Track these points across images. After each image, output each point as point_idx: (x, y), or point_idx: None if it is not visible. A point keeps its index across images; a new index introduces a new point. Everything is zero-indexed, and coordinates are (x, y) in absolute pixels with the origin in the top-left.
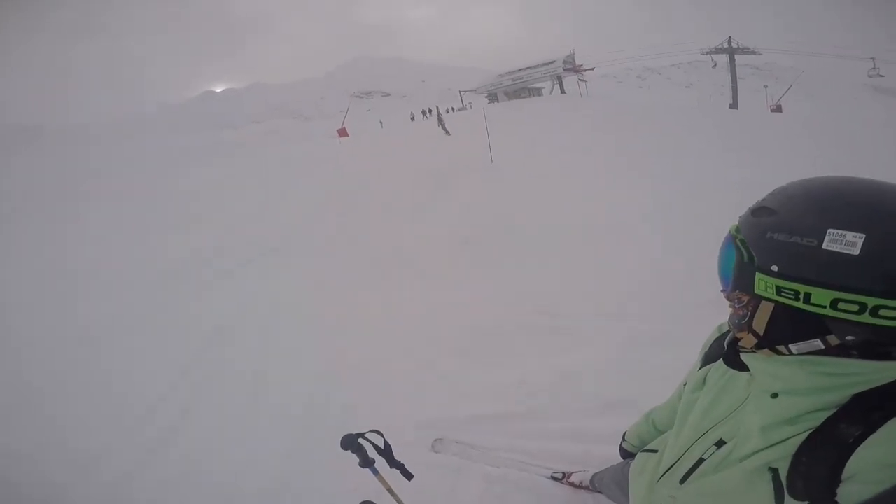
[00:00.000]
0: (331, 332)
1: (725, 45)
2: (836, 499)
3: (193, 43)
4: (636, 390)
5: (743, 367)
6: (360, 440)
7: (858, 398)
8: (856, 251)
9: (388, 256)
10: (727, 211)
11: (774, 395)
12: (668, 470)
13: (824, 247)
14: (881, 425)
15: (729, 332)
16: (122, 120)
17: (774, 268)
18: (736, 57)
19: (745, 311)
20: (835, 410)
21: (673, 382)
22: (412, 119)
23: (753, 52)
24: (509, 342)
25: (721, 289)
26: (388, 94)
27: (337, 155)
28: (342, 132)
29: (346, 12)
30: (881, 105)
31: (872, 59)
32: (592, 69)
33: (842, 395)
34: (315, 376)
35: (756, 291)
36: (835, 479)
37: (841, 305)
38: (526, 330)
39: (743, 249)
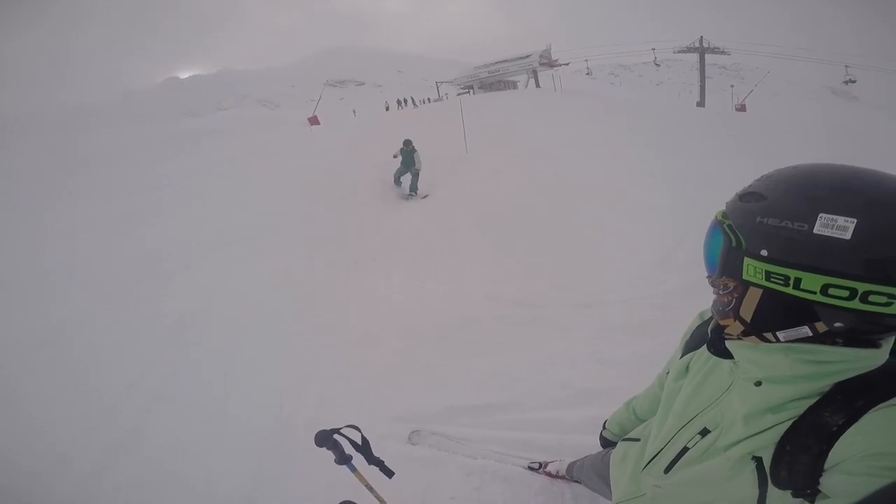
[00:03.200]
0: (303, 323)
1: (697, 45)
2: (819, 488)
3: (157, 29)
4: (610, 380)
5: (727, 355)
6: (336, 436)
7: (840, 387)
8: (847, 236)
9: (360, 247)
10: (695, 202)
11: (758, 384)
12: (653, 459)
13: (815, 231)
14: (864, 414)
15: (711, 318)
16: (75, 110)
17: (764, 252)
18: (706, 56)
19: (731, 298)
20: (817, 399)
21: (648, 370)
22: (387, 109)
23: (723, 52)
24: (486, 334)
25: (706, 274)
26: (363, 84)
27: (308, 143)
28: (313, 120)
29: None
30: (838, 108)
31: (846, 66)
32: (567, 64)
33: (825, 384)
34: (287, 369)
35: (744, 277)
36: (818, 469)
37: (832, 291)
38: (503, 321)
39: (731, 234)
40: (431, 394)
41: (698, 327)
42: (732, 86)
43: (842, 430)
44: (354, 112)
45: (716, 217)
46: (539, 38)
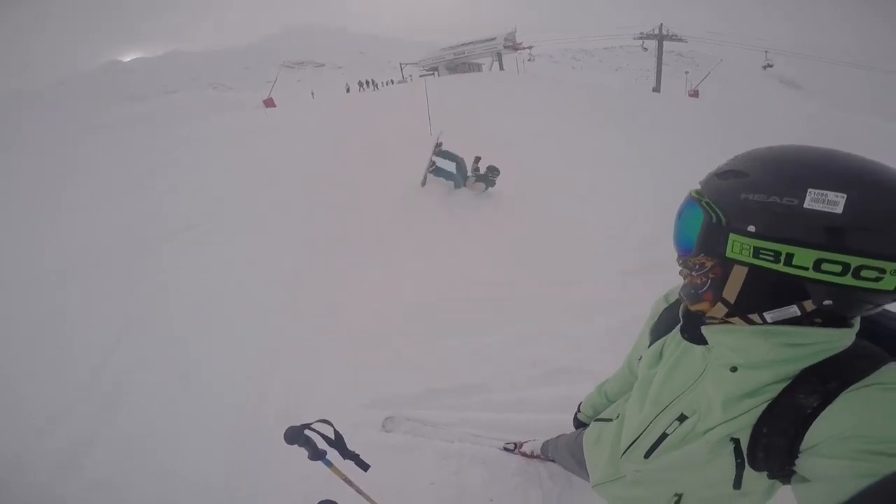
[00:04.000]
0: (268, 311)
1: (656, 32)
2: (795, 469)
3: (99, 11)
4: (578, 357)
5: (702, 341)
6: (308, 432)
7: (813, 369)
8: (839, 210)
9: (325, 233)
10: (654, 182)
11: (734, 369)
12: (631, 445)
13: (806, 206)
14: (837, 396)
15: (680, 302)
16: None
17: (751, 228)
18: (664, 43)
19: (706, 279)
20: (790, 382)
21: (614, 348)
22: (348, 91)
23: (680, 40)
24: (456, 316)
25: (678, 256)
26: (322, 65)
27: (264, 126)
28: (269, 102)
29: None
30: (780, 93)
31: (766, 51)
32: (531, 48)
33: (800, 367)
34: (253, 359)
35: (728, 255)
36: (794, 451)
37: (825, 266)
38: (472, 303)
39: (711, 211)
40: (403, 378)
41: (665, 311)
42: (687, 72)
43: (816, 412)
44: (313, 94)
45: (690, 195)
46: (504, 22)
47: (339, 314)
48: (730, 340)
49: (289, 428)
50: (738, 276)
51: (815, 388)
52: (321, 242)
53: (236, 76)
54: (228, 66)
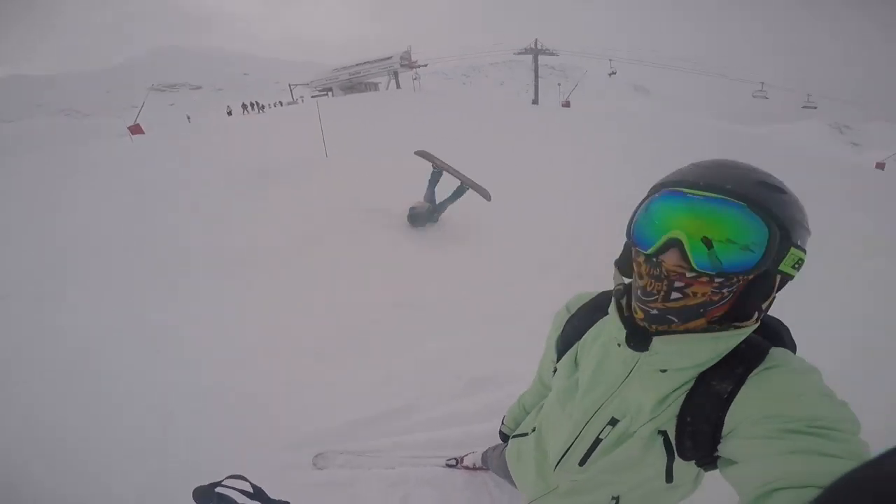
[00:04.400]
0: (155, 353)
1: (532, 47)
2: (718, 453)
3: None
4: (496, 365)
5: (644, 348)
6: (219, 489)
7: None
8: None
9: (211, 264)
10: (549, 193)
11: (663, 371)
12: (563, 457)
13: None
14: (746, 378)
15: (583, 311)
16: None
17: (799, 241)
18: (539, 57)
19: (723, 296)
20: (703, 369)
21: (526, 353)
22: (229, 114)
23: (552, 54)
24: (368, 340)
25: (700, 273)
26: (199, 87)
27: (128, 156)
28: (135, 129)
29: None
30: (633, 99)
31: (610, 60)
32: (426, 66)
33: (718, 359)
34: (147, 408)
35: (780, 267)
36: (717, 436)
37: (797, 264)
38: (382, 324)
39: (779, 226)
40: (323, 412)
41: (569, 321)
42: (559, 84)
43: (731, 396)
44: (189, 118)
45: (748, 208)
46: (398, 41)
47: (235, 351)
48: (683, 347)
49: (196, 488)
50: (768, 286)
51: (725, 373)
52: (200, 274)
53: (95, 101)
54: (85, 91)
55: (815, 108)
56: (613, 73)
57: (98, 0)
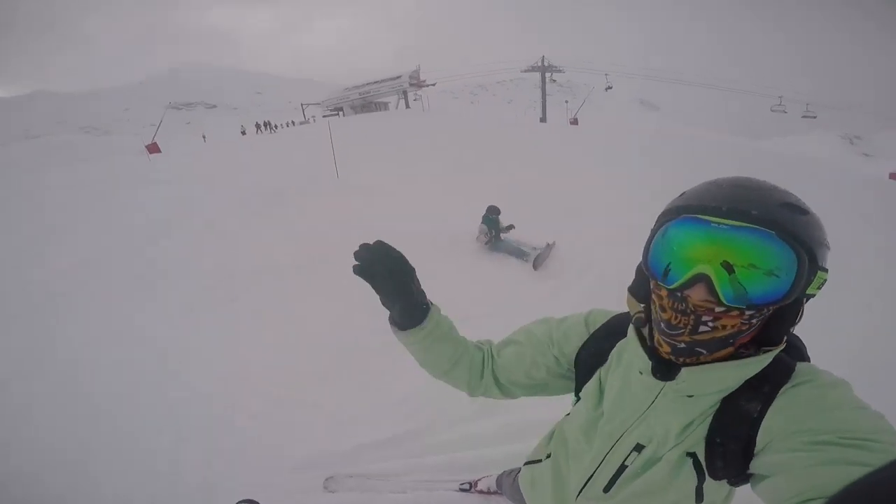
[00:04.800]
0: (166, 376)
1: (539, 65)
2: (751, 471)
3: None
4: None
5: (671, 377)
6: None
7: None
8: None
9: (223, 284)
10: (547, 213)
11: (690, 396)
12: (586, 484)
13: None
14: (775, 396)
15: (605, 332)
16: None
17: (824, 263)
18: (546, 74)
19: (750, 325)
20: (730, 391)
21: None
22: (243, 133)
23: (559, 70)
24: (377, 360)
25: (730, 308)
26: (215, 106)
27: (146, 174)
28: (152, 148)
29: (164, 14)
30: (646, 117)
31: (606, 74)
32: (434, 85)
33: (743, 381)
34: (155, 432)
35: (808, 290)
36: (749, 453)
37: (822, 285)
38: (395, 345)
39: (805, 251)
40: (332, 435)
41: (587, 342)
42: (567, 101)
43: (762, 414)
44: (204, 137)
45: (776, 235)
46: (408, 60)
47: (244, 373)
48: (712, 375)
49: None
50: (796, 311)
51: (753, 394)
52: (215, 294)
53: (115, 118)
54: (105, 108)
55: (815, 117)
56: (609, 87)
57: (120, 17)
